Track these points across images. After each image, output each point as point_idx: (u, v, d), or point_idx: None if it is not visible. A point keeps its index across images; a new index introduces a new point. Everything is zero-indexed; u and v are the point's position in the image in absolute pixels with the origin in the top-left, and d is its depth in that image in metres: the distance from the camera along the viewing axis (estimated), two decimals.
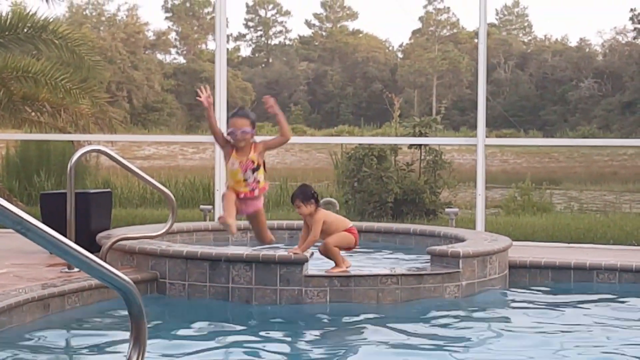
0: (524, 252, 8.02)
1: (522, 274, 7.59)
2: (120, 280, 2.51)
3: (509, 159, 34.50)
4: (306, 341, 5.58)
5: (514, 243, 7.80)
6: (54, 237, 2.29)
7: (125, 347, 2.51)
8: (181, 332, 5.65)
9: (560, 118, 46.18)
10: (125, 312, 5.02)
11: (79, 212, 7.16)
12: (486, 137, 9.35)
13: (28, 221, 2.20)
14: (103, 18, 54.03)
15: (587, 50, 53.20)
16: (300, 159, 34.45)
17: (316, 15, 60.02)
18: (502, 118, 43.33)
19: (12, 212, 2.15)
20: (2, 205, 2.12)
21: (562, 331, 5.87)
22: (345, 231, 6.77)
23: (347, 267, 6.71)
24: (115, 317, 5.92)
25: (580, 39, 57.02)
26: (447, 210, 9.83)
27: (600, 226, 12.39)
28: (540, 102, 48.53)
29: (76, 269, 6.75)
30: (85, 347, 5.17)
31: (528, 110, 47.61)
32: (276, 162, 33.44)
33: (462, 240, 7.64)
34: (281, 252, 6.70)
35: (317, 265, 6.86)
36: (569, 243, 9.99)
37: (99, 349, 5.14)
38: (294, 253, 6.55)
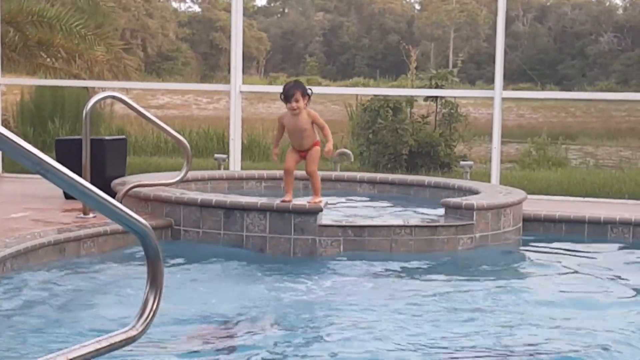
0: (538, 206, 8.01)
1: (536, 227, 7.59)
2: (137, 223, 2.51)
3: (525, 114, 34.29)
4: (316, 288, 5.61)
5: (529, 197, 7.78)
6: (72, 178, 2.29)
7: (141, 291, 2.52)
8: (196, 275, 5.70)
9: (578, 72, 45.79)
10: (141, 257, 5.06)
11: (94, 159, 7.17)
12: (503, 90, 9.29)
13: (47, 162, 2.20)
14: None
15: (608, 3, 52.56)
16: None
17: None
18: (519, 72, 42.98)
19: (32, 153, 2.15)
20: (22, 147, 2.12)
21: (574, 283, 5.89)
22: (314, 145, 6.64)
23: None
24: (131, 262, 5.97)
25: None
26: (461, 163, 9.81)
27: (615, 181, 12.37)
28: (558, 56, 48.09)
29: (92, 215, 6.79)
30: (102, 291, 5.22)
31: (546, 64, 47.19)
32: None
33: (476, 192, 7.64)
34: (296, 201, 6.71)
35: (330, 215, 6.87)
36: (584, 197, 9.96)
37: (115, 293, 5.18)
38: (313, 202, 6.54)
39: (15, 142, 2.12)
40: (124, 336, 2.50)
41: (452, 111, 15.13)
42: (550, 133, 17.67)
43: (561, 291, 5.64)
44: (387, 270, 6.09)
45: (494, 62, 9.31)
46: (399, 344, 4.33)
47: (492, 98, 9.35)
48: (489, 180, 9.28)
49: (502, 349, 4.32)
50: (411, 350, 4.25)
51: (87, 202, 2.44)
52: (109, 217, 2.51)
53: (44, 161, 2.21)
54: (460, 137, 15.19)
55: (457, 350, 4.31)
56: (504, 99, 9.34)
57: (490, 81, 17.69)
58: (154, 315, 2.56)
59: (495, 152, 9.25)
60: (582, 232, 7.52)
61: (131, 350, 3.46)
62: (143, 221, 2.54)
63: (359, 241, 6.53)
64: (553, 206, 8.26)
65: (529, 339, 4.47)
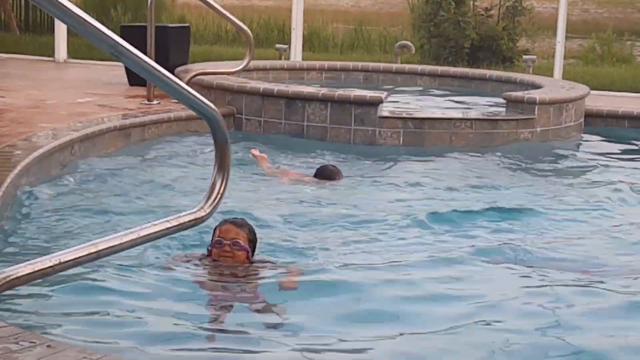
0: (601, 102, 7.92)
1: (598, 123, 7.53)
2: (207, 107, 2.58)
3: (589, 9, 33.37)
4: (375, 178, 5.68)
5: (592, 92, 7.69)
6: (145, 61, 2.35)
7: (208, 175, 2.61)
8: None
9: None
10: (203, 143, 5.17)
11: (158, 46, 7.25)
12: None
13: (122, 45, 2.25)
14: None
15: None
16: (374, 3, 33.81)
17: None
18: None
19: (107, 35, 2.20)
20: (98, 29, 2.17)
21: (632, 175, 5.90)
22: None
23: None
24: (194, 147, 6.09)
25: None
26: (524, 57, 9.70)
27: None
28: None
29: (155, 102, 6.91)
30: (167, 175, 5.34)
31: None
32: (350, 6, 32.91)
33: (539, 87, 7.58)
34: (357, 91, 6.73)
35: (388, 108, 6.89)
36: None
37: (179, 176, 5.31)
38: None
39: (92, 25, 2.17)
40: (192, 217, 2.57)
41: (515, 4, 14.82)
42: (615, 29, 17.22)
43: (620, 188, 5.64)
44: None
45: None
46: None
47: None
48: (551, 75, 9.17)
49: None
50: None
51: (160, 85, 2.48)
52: (180, 100, 2.57)
53: (119, 44, 2.26)
54: (523, 31, 14.89)
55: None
56: None
57: None
58: (221, 198, 2.63)
59: (559, 46, 9.12)
60: None
61: None
62: (212, 106, 2.60)
63: (419, 133, 6.56)
64: (616, 102, 8.16)
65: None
